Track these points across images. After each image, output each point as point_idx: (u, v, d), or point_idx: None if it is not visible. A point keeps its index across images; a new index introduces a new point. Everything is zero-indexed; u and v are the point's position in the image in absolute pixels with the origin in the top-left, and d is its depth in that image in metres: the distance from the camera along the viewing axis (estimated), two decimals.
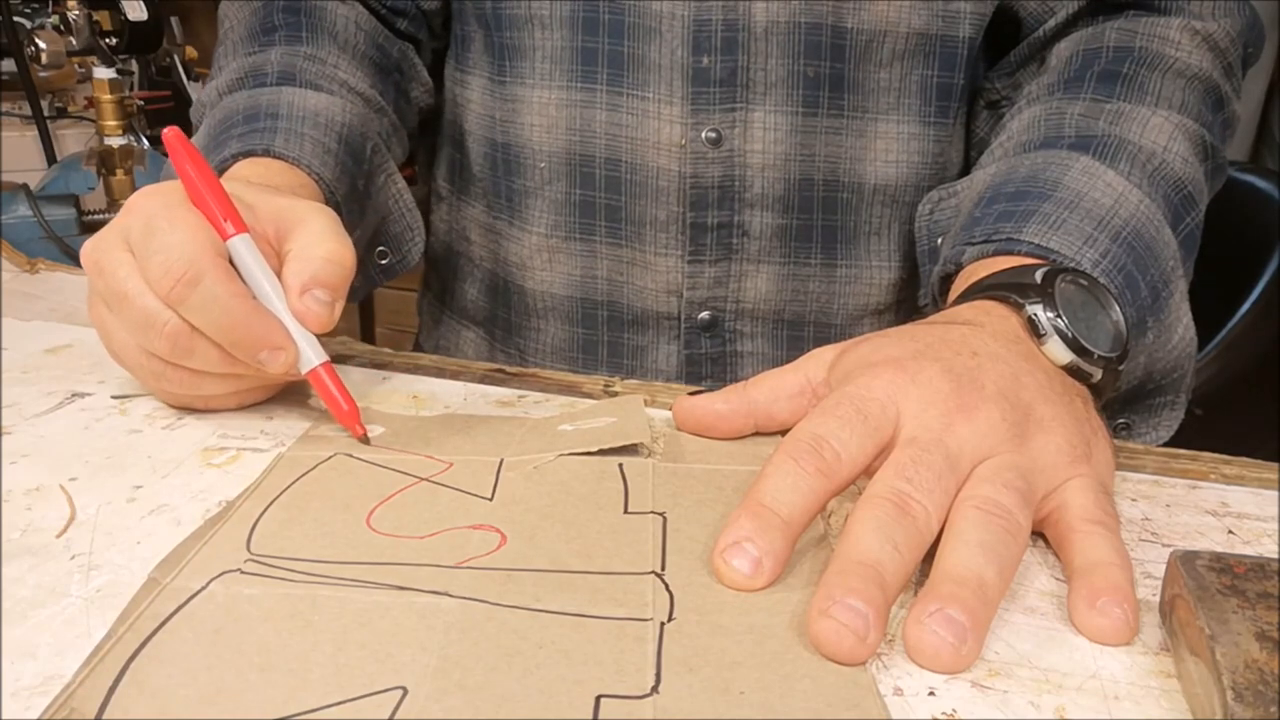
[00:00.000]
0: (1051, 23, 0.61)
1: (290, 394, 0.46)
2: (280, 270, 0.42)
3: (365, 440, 0.41)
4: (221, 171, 0.50)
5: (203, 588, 0.31)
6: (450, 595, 0.31)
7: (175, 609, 0.30)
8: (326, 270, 0.41)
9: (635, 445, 0.40)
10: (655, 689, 0.27)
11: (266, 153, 0.51)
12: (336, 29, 0.61)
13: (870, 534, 0.31)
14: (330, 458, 0.39)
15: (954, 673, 0.29)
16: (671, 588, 0.32)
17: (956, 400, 0.35)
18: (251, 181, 0.49)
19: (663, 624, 0.30)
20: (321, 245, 0.42)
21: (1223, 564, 0.30)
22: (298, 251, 0.42)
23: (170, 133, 0.41)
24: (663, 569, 0.33)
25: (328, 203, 0.51)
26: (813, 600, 0.30)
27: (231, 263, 0.40)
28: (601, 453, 0.39)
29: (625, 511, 0.36)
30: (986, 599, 0.30)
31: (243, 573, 0.31)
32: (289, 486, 0.37)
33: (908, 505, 0.32)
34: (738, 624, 0.30)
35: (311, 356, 0.41)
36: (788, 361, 0.43)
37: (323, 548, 0.33)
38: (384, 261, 0.61)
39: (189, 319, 0.39)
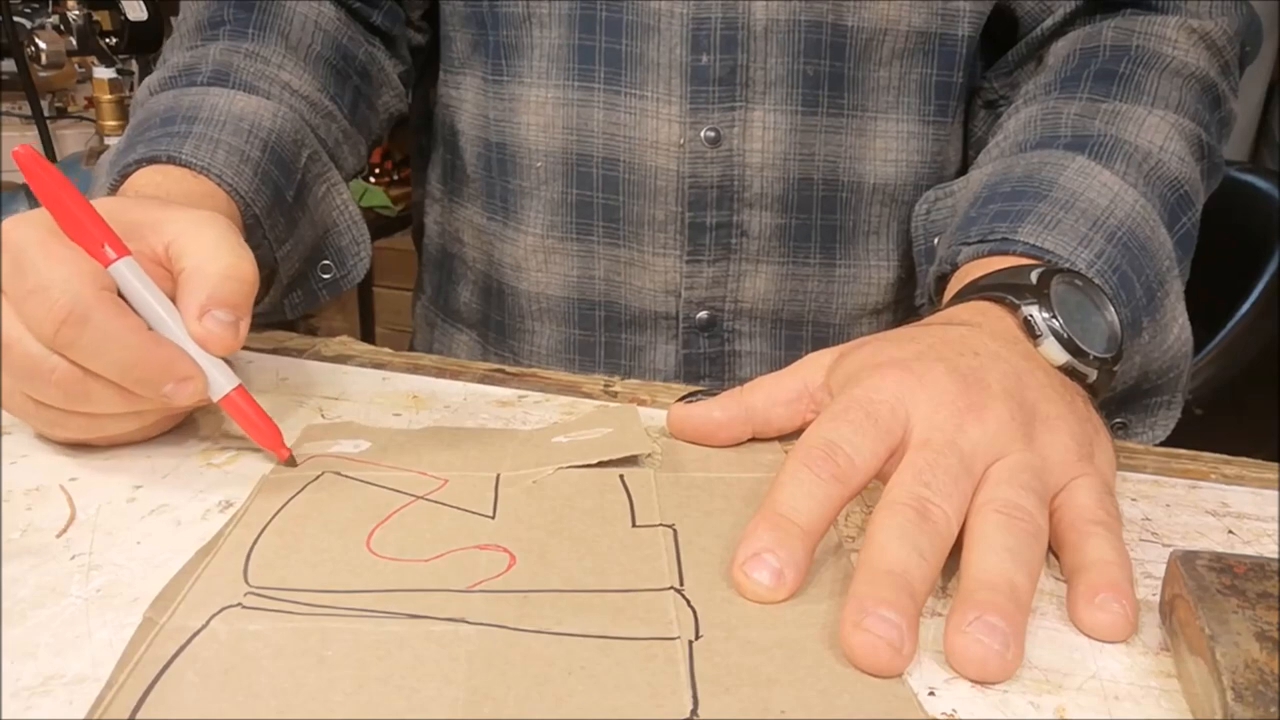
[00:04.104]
0: (1049, 21, 0.61)
1: (288, 394, 0.46)
2: (175, 292, 0.38)
3: (291, 463, 0.39)
4: (124, 178, 0.48)
5: (203, 626, 0.29)
6: (467, 622, 0.30)
7: (177, 651, 0.28)
8: (225, 288, 0.38)
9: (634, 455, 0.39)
10: (694, 712, 0.26)
11: (171, 160, 0.47)
12: (291, 27, 0.59)
13: (895, 541, 0.31)
14: (318, 476, 0.38)
15: (1001, 680, 0.29)
16: (693, 603, 0.31)
17: (965, 400, 0.35)
18: (143, 193, 0.46)
19: (690, 642, 0.29)
20: (216, 260, 0.38)
21: (1223, 564, 0.30)
22: (191, 270, 0.38)
23: (23, 152, 0.37)
24: (681, 584, 0.32)
25: (244, 214, 0.49)
26: (844, 613, 0.29)
27: (120, 292, 0.37)
28: (601, 464, 0.39)
29: (633, 525, 0.35)
30: (1020, 603, 0.30)
31: (244, 607, 0.30)
32: (280, 510, 0.35)
33: (928, 510, 0.32)
34: (766, 639, 0.30)
35: (222, 382, 0.38)
36: (787, 361, 0.42)
37: (325, 576, 0.32)
38: (327, 276, 0.58)
39: (80, 362, 0.36)
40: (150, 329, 0.37)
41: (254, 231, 0.50)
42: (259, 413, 0.38)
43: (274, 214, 0.51)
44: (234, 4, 0.58)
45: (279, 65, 0.57)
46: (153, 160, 0.48)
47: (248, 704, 0.26)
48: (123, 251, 0.37)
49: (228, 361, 0.39)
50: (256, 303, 0.53)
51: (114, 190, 0.48)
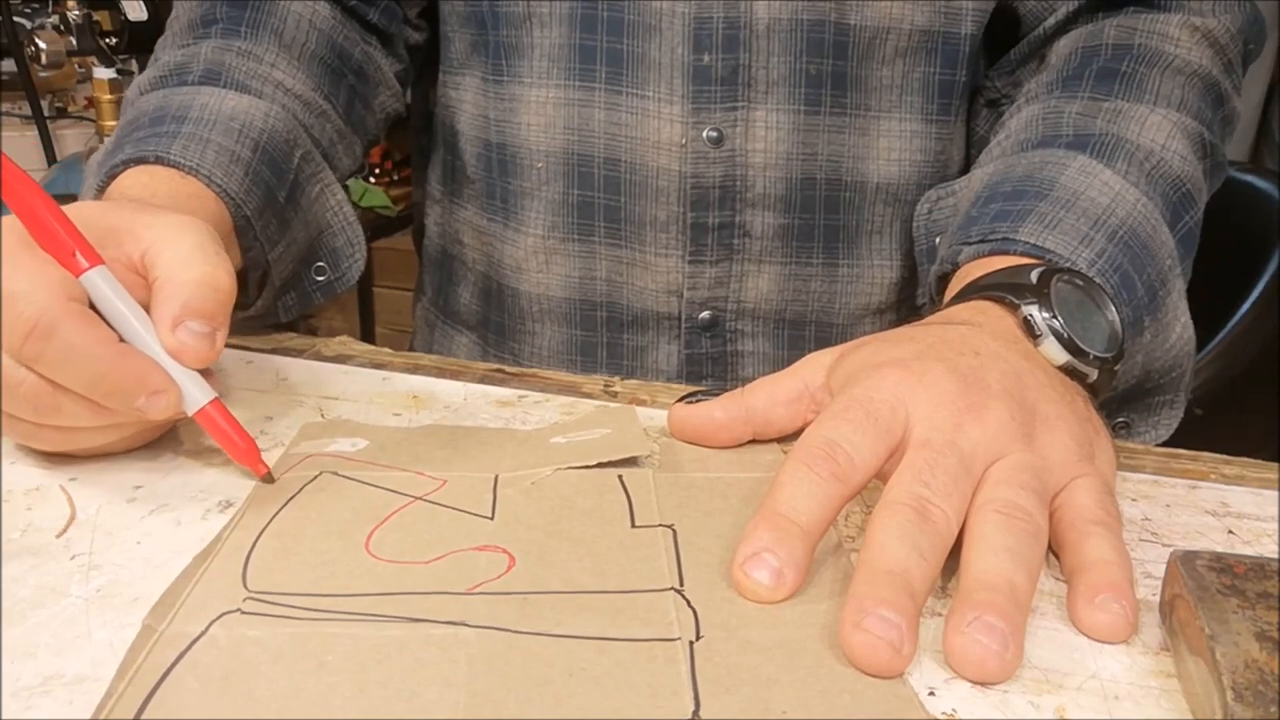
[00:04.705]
0: (1051, 20, 0.61)
1: (288, 394, 0.46)
2: (149, 301, 0.37)
3: (269, 479, 0.37)
4: (111, 179, 0.47)
5: (203, 632, 0.29)
6: (467, 625, 0.30)
7: (176, 658, 0.28)
8: (199, 297, 0.37)
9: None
10: (696, 714, 0.26)
11: (159, 160, 0.47)
12: (285, 26, 0.58)
13: (895, 541, 0.31)
14: (316, 477, 0.38)
15: (1000, 680, 0.29)
16: (693, 604, 0.31)
17: (965, 400, 0.35)
18: (128, 195, 0.46)
19: (691, 643, 0.29)
20: (190, 268, 0.37)
21: (1223, 564, 0.30)
22: (164, 278, 0.37)
23: None
24: (681, 584, 0.32)
25: (234, 216, 0.48)
26: (844, 613, 0.29)
27: (92, 302, 0.36)
28: (599, 465, 0.38)
29: (632, 525, 0.35)
30: (1020, 604, 0.30)
31: (243, 613, 0.30)
32: (277, 513, 0.35)
33: (928, 510, 0.32)
34: (767, 639, 0.30)
35: (197, 395, 0.37)
36: (789, 361, 0.42)
37: (324, 579, 0.32)
38: (321, 278, 0.57)
39: (47, 375, 0.35)
40: (122, 340, 0.36)
41: (245, 233, 0.50)
42: (236, 427, 0.37)
43: (266, 215, 0.51)
44: (227, 2, 0.58)
45: (272, 64, 0.56)
46: (140, 161, 0.47)
47: (248, 710, 0.26)
48: (95, 260, 0.36)
49: (206, 372, 0.38)
50: (249, 306, 0.53)
51: (101, 192, 0.48)
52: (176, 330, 0.36)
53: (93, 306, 0.36)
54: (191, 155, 0.47)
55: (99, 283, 0.36)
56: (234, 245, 0.50)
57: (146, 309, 0.37)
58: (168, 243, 0.38)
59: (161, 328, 0.37)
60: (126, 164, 0.47)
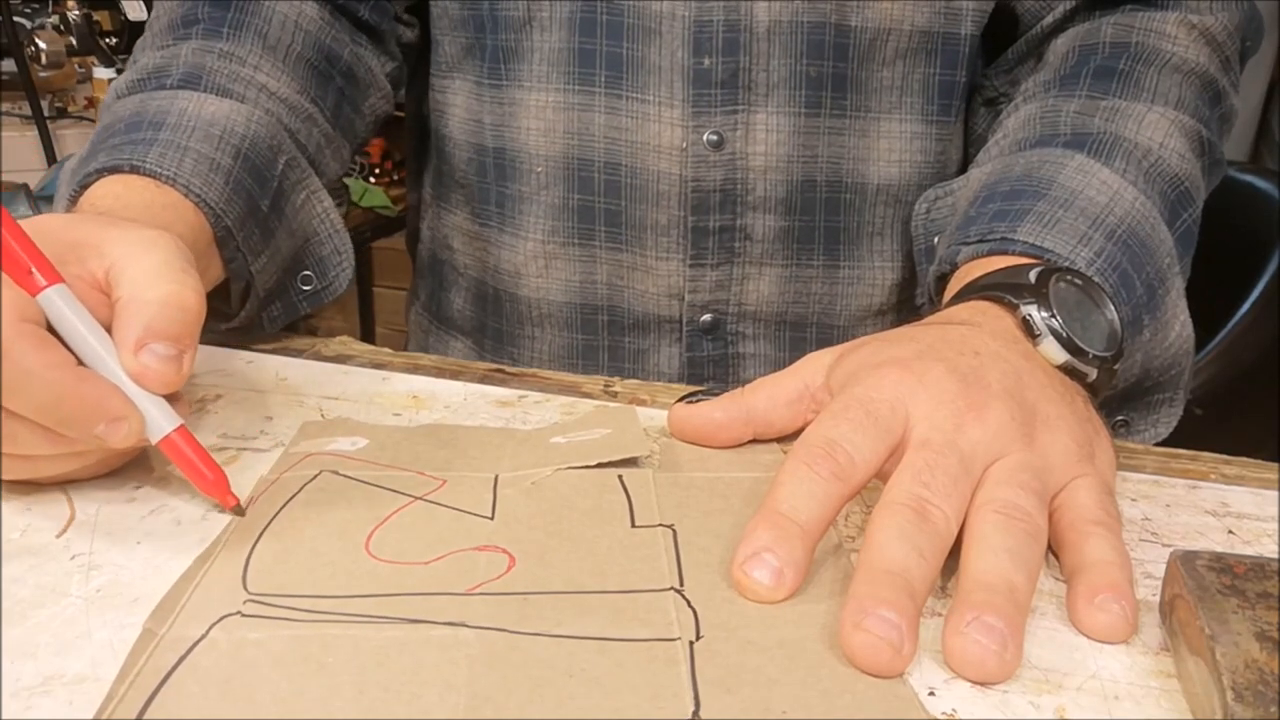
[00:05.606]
0: (1049, 19, 0.61)
1: (288, 393, 0.46)
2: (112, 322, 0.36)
3: (240, 512, 0.35)
4: (83, 189, 0.46)
5: (203, 635, 0.29)
6: (467, 625, 0.30)
7: (177, 661, 0.28)
8: (164, 317, 0.35)
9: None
10: (696, 714, 0.27)
11: (134, 169, 0.45)
12: (269, 26, 0.56)
13: (894, 541, 0.31)
14: (316, 476, 0.37)
15: (999, 681, 0.29)
16: (693, 604, 0.31)
17: (965, 400, 0.35)
18: (99, 207, 0.44)
19: (691, 643, 0.29)
20: (155, 287, 0.35)
21: (1223, 564, 0.30)
22: (128, 297, 0.35)
23: None
24: (681, 584, 0.32)
25: (214, 226, 0.47)
26: (844, 613, 0.29)
27: (49, 323, 0.34)
28: (599, 465, 0.38)
29: (632, 525, 0.35)
30: (1019, 604, 0.30)
31: (243, 615, 0.30)
32: (278, 513, 0.35)
33: (927, 511, 0.32)
34: (767, 639, 0.30)
35: (162, 422, 0.35)
36: (791, 363, 0.42)
37: (324, 581, 0.32)
38: (308, 288, 0.55)
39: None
40: (81, 364, 0.34)
41: (226, 244, 0.48)
42: (203, 457, 0.35)
43: (248, 225, 0.49)
44: (209, 2, 0.56)
45: (255, 66, 0.54)
46: (114, 170, 0.46)
47: (249, 713, 0.26)
48: (54, 278, 0.34)
49: (174, 397, 0.36)
50: (232, 317, 0.51)
51: (73, 202, 0.46)
52: (139, 353, 0.34)
53: (51, 328, 0.35)
54: (169, 164, 0.46)
55: (57, 302, 0.34)
56: (215, 257, 0.48)
57: (110, 329, 0.35)
58: (133, 259, 0.36)
59: (123, 350, 0.35)
60: (100, 173, 0.46)
